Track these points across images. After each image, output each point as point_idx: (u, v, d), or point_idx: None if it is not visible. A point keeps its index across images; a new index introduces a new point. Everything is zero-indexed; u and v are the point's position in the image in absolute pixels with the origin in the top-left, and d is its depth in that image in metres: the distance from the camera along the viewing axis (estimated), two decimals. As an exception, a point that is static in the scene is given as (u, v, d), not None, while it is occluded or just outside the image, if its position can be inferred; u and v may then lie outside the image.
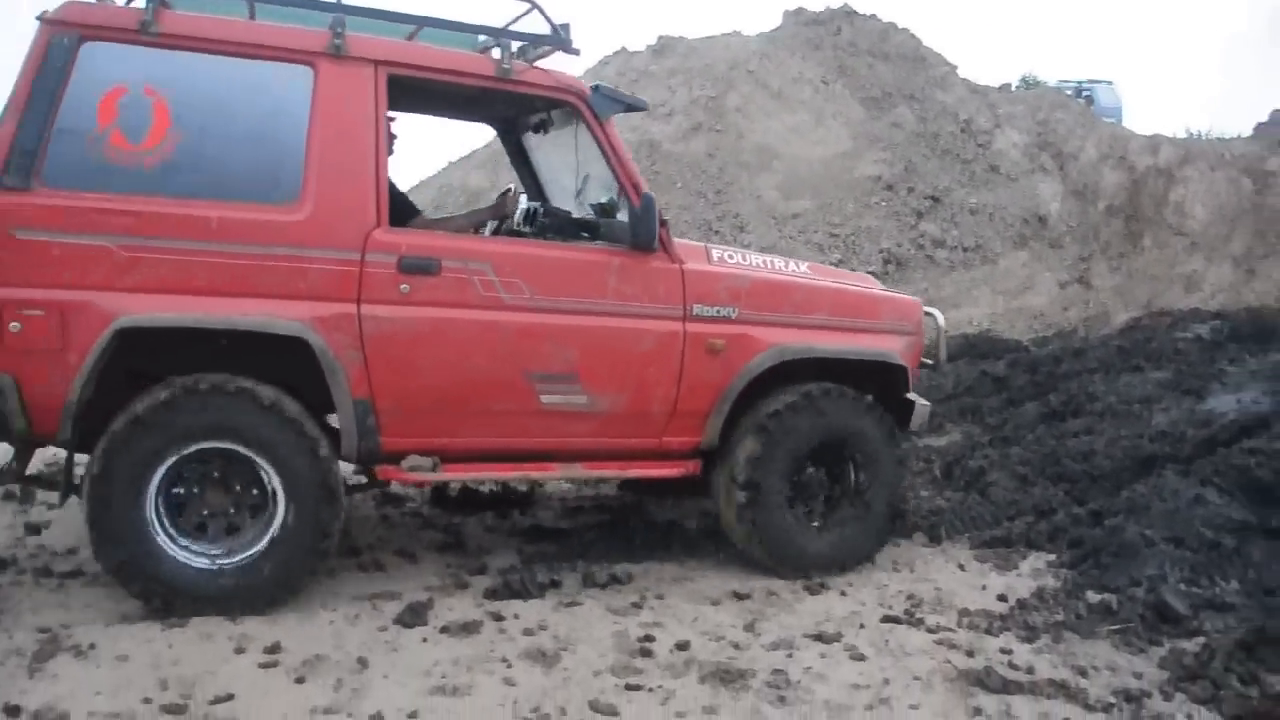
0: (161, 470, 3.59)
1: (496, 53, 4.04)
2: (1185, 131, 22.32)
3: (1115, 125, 20.03)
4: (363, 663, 3.37)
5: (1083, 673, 3.55)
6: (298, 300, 3.68)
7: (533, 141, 5.16)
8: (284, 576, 3.75)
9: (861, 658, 3.61)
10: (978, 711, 3.23)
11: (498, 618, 3.80)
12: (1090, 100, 22.56)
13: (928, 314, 4.98)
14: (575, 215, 4.53)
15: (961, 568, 4.69)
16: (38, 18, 3.49)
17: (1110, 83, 25.81)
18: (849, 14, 18.56)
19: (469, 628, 3.69)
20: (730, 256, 4.52)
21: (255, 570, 3.70)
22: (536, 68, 4.15)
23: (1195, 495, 5.43)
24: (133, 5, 3.68)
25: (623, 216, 4.20)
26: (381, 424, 3.86)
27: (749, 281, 4.38)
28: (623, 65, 17.76)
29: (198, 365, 3.65)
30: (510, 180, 5.83)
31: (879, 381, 4.68)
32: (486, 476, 4.48)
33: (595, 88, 4.24)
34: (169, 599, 3.62)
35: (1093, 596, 4.21)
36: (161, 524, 3.63)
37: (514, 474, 4.31)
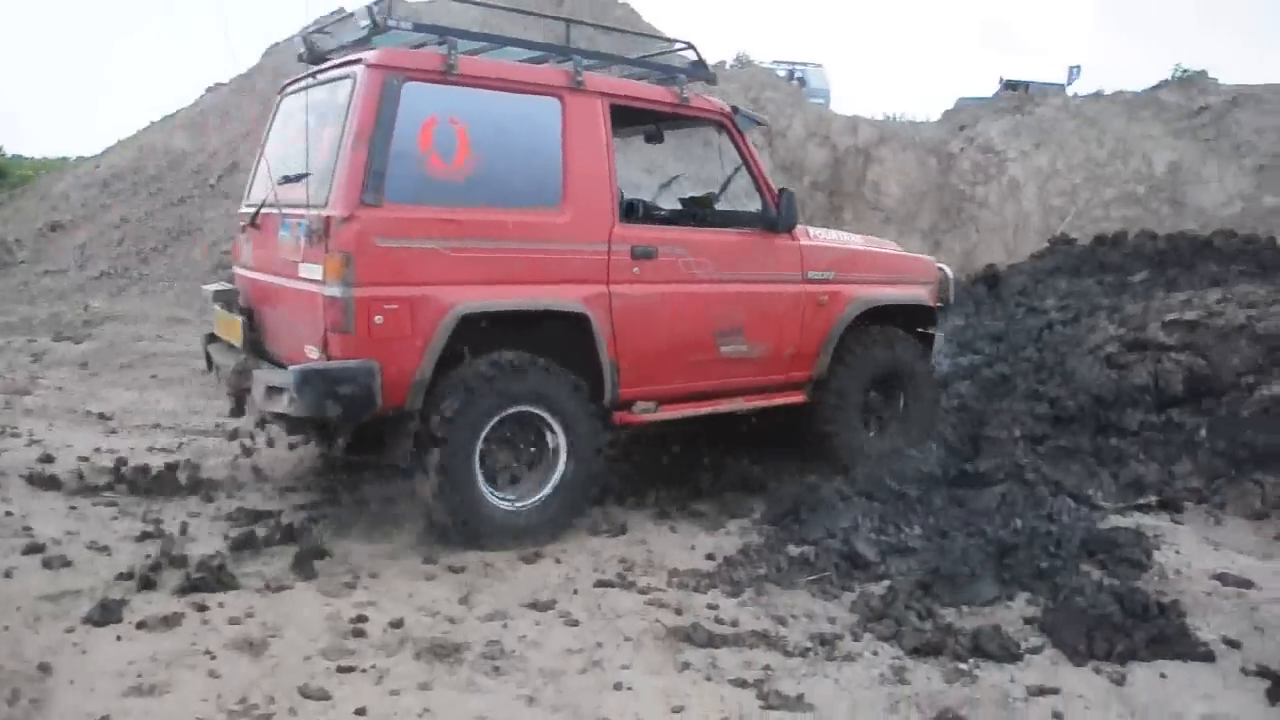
0: (488, 427, 4.41)
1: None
2: (883, 115, 23.95)
3: (822, 106, 21.23)
4: (45, 669, 3.11)
5: (782, 621, 3.79)
6: (569, 284, 4.58)
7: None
8: (564, 516, 4.64)
9: (575, 623, 3.69)
10: (686, 665, 3.38)
11: (201, 608, 3.62)
12: (802, 82, 23.68)
13: (940, 268, 6.37)
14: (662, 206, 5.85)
15: (673, 529, 4.87)
16: (365, 63, 4.24)
17: (820, 65, 27.19)
18: (572, -16, 18.66)
19: (169, 621, 3.49)
20: (819, 234, 5.75)
21: (544, 511, 4.57)
22: (702, 96, 5.26)
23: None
24: (432, 50, 4.46)
25: (719, 207, 5.82)
26: (621, 379, 4.80)
27: (840, 252, 5.71)
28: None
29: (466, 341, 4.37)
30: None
31: (908, 322, 6.06)
32: (687, 414, 5.22)
33: (735, 109, 5.40)
34: (487, 537, 4.39)
35: (793, 550, 4.49)
36: (482, 474, 4.41)
37: (704, 410, 5.21)
